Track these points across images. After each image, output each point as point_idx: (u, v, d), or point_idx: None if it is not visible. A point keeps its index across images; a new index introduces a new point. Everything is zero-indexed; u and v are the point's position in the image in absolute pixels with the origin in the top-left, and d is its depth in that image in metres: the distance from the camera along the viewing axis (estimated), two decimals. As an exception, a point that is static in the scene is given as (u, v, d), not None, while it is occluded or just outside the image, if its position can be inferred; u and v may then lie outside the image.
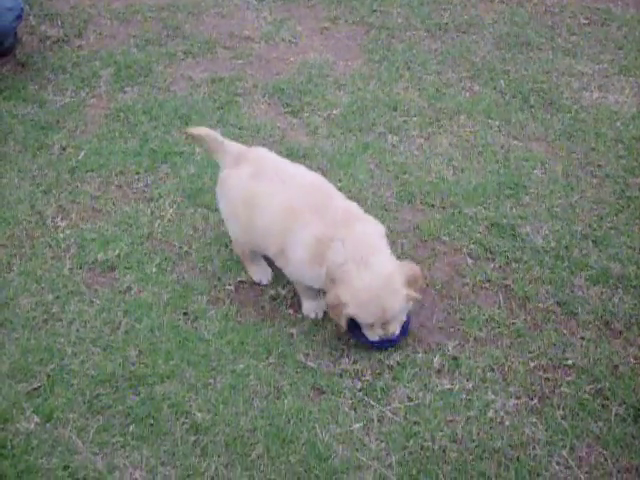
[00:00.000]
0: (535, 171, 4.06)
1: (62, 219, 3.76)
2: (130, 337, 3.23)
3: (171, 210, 3.80)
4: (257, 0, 5.48)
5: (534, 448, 2.86)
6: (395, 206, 3.88)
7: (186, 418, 2.95)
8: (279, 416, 2.95)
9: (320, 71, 4.75)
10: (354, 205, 3.16)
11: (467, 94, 4.63)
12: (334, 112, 4.47)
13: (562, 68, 4.82)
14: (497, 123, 4.39)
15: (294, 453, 2.83)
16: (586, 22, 5.32)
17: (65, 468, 2.78)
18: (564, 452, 2.85)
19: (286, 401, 3.00)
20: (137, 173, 4.02)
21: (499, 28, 5.23)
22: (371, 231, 3.07)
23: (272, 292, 3.43)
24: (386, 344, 3.14)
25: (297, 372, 3.12)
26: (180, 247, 3.62)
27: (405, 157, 4.15)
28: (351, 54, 4.96)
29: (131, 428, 2.91)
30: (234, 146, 3.32)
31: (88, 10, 5.32)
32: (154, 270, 3.51)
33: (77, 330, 3.26)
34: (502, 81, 4.71)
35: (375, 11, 5.36)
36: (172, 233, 3.67)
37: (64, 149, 4.18)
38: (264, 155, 3.30)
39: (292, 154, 4.13)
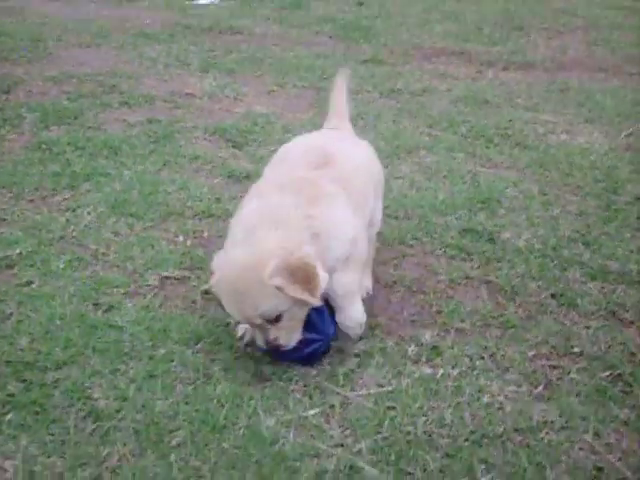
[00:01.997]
0: (508, 190, 3.61)
1: (-48, 228, 3.11)
2: (22, 326, 2.54)
3: (89, 217, 3.22)
4: (201, 70, 5.15)
5: (547, 433, 2.19)
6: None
7: (84, 404, 2.22)
8: (209, 401, 2.23)
9: (267, 119, 4.38)
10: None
11: (426, 137, 4.25)
12: (282, 147, 4.01)
13: (525, 118, 4.52)
14: (461, 155, 3.99)
15: (228, 440, 2.09)
16: (544, 90, 5.10)
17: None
18: (587, 437, 2.17)
19: (219, 387, 2.30)
20: (54, 189, 3.47)
21: (455, 93, 4.99)
22: (289, 203, 2.39)
23: (205, 286, 2.78)
24: (293, 356, 2.41)
25: (234, 359, 2.42)
26: (96, 249, 3.01)
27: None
28: (300, 108, 4.62)
29: (9, 416, 2.16)
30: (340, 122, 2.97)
31: (20, 75, 4.94)
32: (61, 266, 2.87)
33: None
34: (463, 127, 4.36)
35: (325, 78, 5.07)
36: (88, 237, 3.09)
37: (-29, 171, 3.60)
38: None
39: (233, 176, 3.64)
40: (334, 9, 7.53)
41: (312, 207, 2.35)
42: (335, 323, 2.47)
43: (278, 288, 2.18)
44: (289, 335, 2.32)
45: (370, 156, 2.82)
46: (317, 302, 2.25)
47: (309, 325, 2.37)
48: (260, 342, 2.34)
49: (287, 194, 2.36)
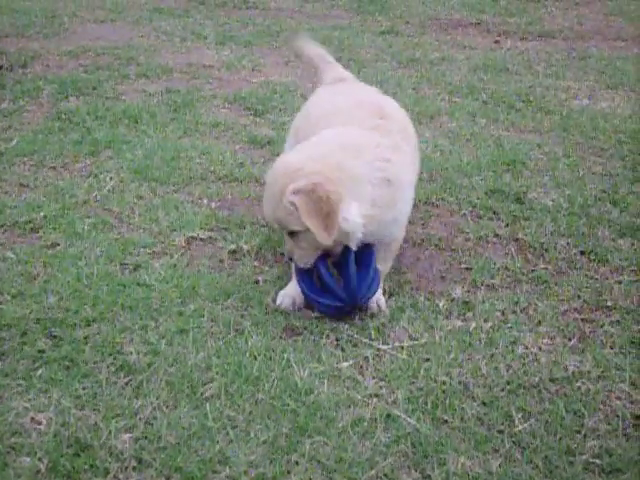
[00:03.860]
0: (532, 152, 3.56)
1: (-18, 194, 3.10)
2: (50, 286, 2.52)
3: (112, 182, 3.20)
4: (217, 43, 5.11)
5: (583, 383, 2.17)
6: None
7: (115, 359, 2.20)
8: (241, 354, 2.21)
9: (286, 88, 4.34)
10: None
11: (447, 104, 4.20)
12: (303, 114, 3.97)
13: (546, 84, 4.46)
14: (484, 121, 3.94)
15: (262, 391, 2.07)
16: (564, 58, 5.04)
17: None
18: (624, 387, 2.14)
19: (250, 340, 2.27)
20: (75, 157, 3.45)
21: (474, 61, 4.93)
22: (348, 132, 2.40)
23: (232, 247, 2.75)
24: (330, 308, 2.41)
25: (265, 314, 2.40)
26: (120, 212, 2.99)
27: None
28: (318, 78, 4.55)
29: (40, 371, 2.14)
30: (341, 71, 3.02)
31: (36, 48, 4.91)
32: (86, 229, 2.85)
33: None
34: (484, 94, 4.31)
35: (342, 49, 5.03)
36: (112, 201, 3.06)
37: (-8, 140, 3.58)
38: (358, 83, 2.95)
39: (255, 142, 3.61)
40: (348, -16, 7.47)
41: (392, 153, 2.32)
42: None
43: (293, 205, 2.16)
44: (302, 256, 2.34)
45: None
46: (326, 240, 2.22)
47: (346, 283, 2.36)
48: (284, 249, 2.36)
49: (368, 132, 2.34)
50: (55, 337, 2.28)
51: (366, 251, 2.40)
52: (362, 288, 2.36)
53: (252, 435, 1.94)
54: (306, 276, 2.39)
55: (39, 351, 2.23)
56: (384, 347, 2.30)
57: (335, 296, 2.36)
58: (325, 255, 2.34)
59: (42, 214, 2.94)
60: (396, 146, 2.36)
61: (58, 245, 2.76)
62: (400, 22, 6.02)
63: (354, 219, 2.24)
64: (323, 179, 2.19)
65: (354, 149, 2.29)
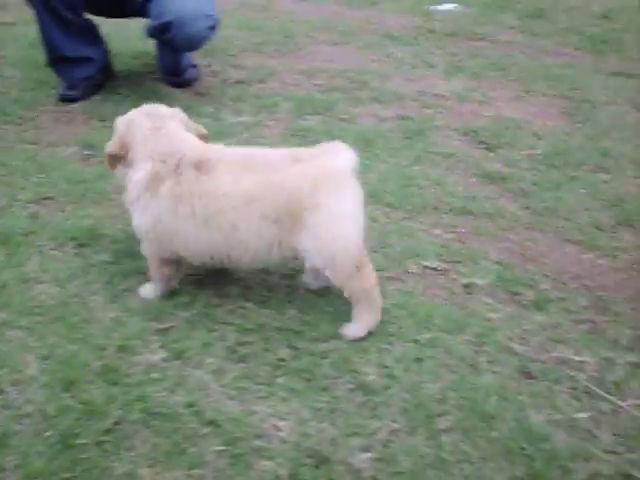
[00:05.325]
0: None
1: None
2: (290, 297, 2.62)
3: (348, 203, 3.26)
4: (446, 73, 5.15)
5: None
6: (611, 227, 3.20)
7: (352, 378, 2.26)
8: (475, 390, 2.20)
9: (517, 124, 4.29)
10: None
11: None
12: (535, 152, 3.93)
13: None
14: None
15: (497, 430, 2.05)
16: None
17: (189, 406, 2.13)
18: None
19: (484, 378, 2.25)
20: (312, 174, 3.54)
21: None
22: None
23: (465, 280, 2.76)
24: None
25: (498, 352, 2.38)
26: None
27: (619, 187, 3.51)
28: (549, 116, 4.50)
29: (280, 380, 2.25)
30: None
31: (273, 65, 5.17)
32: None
33: (226, 286, 2.69)
34: None
35: (574, 88, 4.91)
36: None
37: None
38: None
39: (487, 176, 3.60)
40: (579, 22, 7.28)
41: None
42: None
43: None
44: None
45: None
46: None
47: None
48: None
49: None
50: (295, 348, 2.38)
51: None
52: None
53: (487, 474, 1.93)
54: None
55: (280, 359, 2.34)
56: (622, 404, 2.21)
57: None
58: None
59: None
60: None
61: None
62: (634, 63, 5.77)
63: None
64: None
65: None
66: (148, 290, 2.59)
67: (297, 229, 2.28)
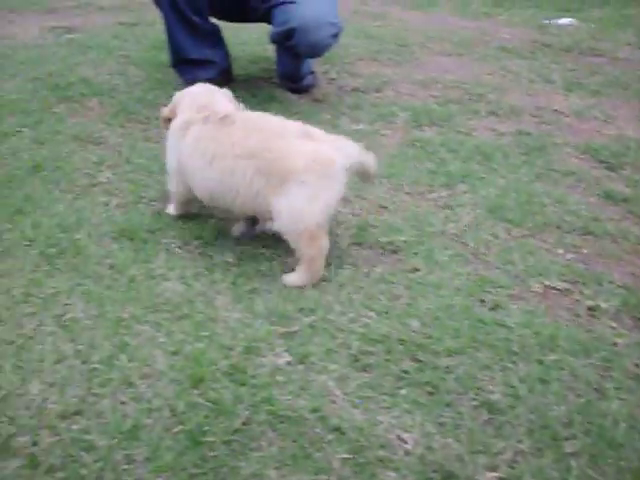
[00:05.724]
0: None
1: (344, 207, 3.34)
2: (411, 309, 2.65)
3: (468, 218, 3.28)
4: (564, 89, 5.06)
5: None
6: None
7: (476, 395, 2.25)
8: (602, 416, 2.16)
9: (639, 144, 4.15)
10: None
11: None
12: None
13: None
14: None
15: (626, 459, 2.01)
16: None
17: (314, 411, 2.16)
18: None
19: (612, 404, 2.21)
20: (430, 186, 3.56)
21: None
22: None
23: (590, 303, 2.71)
24: None
25: (626, 379, 2.33)
26: (476, 248, 3.06)
27: None
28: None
29: (404, 391, 2.26)
30: None
31: (388, 74, 5.19)
32: (445, 259, 2.95)
33: (348, 293, 2.73)
34: None
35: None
36: (467, 235, 3.14)
37: (353, 159, 3.84)
38: None
39: (610, 197, 3.53)
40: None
41: None
42: None
43: None
44: None
45: None
46: None
47: None
48: None
49: None
50: (419, 361, 2.38)
51: None
52: None
53: (617, 505, 1.89)
54: None
55: (403, 371, 2.34)
56: None
57: None
58: None
59: (402, 238, 3.09)
60: None
61: (418, 270, 2.88)
62: None
63: None
64: None
65: None
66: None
67: (279, 192, 2.63)
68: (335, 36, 4.27)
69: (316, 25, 4.15)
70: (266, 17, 4.55)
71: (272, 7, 4.38)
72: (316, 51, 4.33)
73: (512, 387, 2.28)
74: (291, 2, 4.20)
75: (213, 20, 4.72)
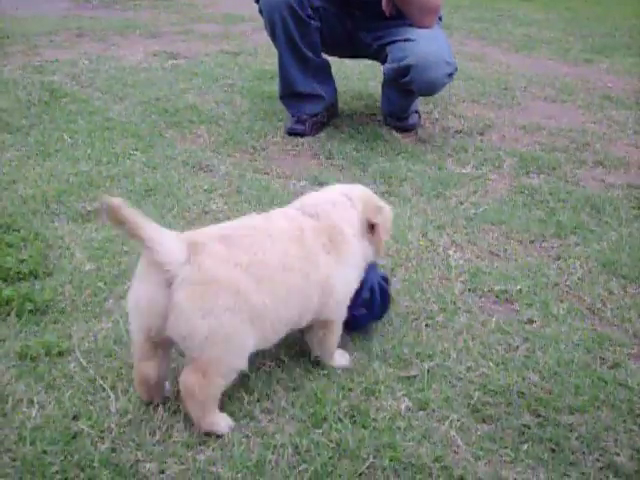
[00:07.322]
0: None
1: (455, 251, 3.35)
2: (530, 361, 2.63)
3: (581, 270, 3.24)
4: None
5: None
6: None
7: (601, 455, 2.21)
8: None
9: None
10: None
11: None
12: None
13: None
14: None
15: None
16: None
17: (437, 460, 2.15)
18: None
19: None
20: (542, 235, 3.54)
21: None
22: None
23: None
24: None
25: None
26: (591, 303, 3.01)
27: None
28: None
29: (525, 446, 2.25)
30: None
31: (492, 118, 5.19)
32: (561, 312, 2.90)
33: (464, 341, 2.71)
34: None
35: None
36: (581, 289, 3.11)
37: (461, 203, 3.87)
38: None
39: None
40: None
41: None
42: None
43: None
44: None
45: None
46: None
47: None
48: None
49: None
50: (540, 416, 2.36)
51: None
52: None
53: None
54: None
55: (524, 425, 2.32)
56: None
57: None
58: None
59: (517, 287, 3.06)
60: None
61: (534, 322, 2.86)
62: None
63: None
64: None
65: None
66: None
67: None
68: (450, 75, 4.30)
69: (434, 62, 4.19)
70: (378, 53, 4.61)
71: (387, 44, 4.44)
72: (432, 89, 4.36)
73: (638, 451, 2.22)
74: (408, 40, 4.25)
75: (324, 55, 4.80)
